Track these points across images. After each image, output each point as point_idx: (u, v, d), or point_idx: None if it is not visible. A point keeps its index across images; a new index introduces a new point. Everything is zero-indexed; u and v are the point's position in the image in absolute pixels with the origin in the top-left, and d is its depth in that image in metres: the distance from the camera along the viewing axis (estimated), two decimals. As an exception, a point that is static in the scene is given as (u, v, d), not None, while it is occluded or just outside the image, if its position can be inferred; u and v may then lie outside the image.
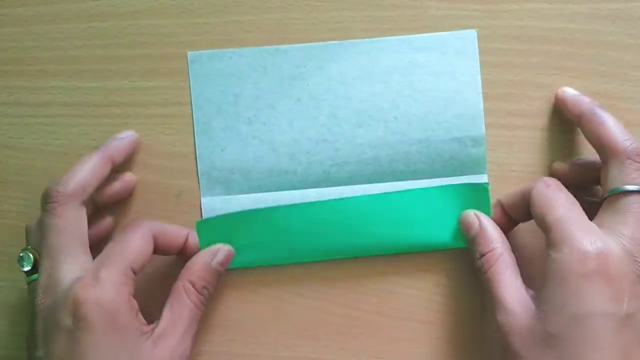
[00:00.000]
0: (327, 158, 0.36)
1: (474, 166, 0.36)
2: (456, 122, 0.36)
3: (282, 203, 0.36)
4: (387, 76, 0.36)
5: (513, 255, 0.33)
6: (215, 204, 0.36)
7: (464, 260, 0.36)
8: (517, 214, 0.34)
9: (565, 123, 0.36)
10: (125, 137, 0.36)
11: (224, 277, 0.36)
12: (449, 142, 0.36)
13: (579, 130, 0.36)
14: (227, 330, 0.37)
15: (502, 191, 0.35)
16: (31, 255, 0.33)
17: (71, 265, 0.32)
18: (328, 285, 0.36)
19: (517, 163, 0.36)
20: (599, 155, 0.33)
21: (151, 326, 0.32)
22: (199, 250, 0.35)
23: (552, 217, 0.31)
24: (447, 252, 0.36)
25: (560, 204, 0.31)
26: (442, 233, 0.36)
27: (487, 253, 0.33)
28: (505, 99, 0.36)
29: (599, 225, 0.30)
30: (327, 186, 0.36)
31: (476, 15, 0.36)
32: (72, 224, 0.32)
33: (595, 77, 0.36)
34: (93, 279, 0.30)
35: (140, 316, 0.32)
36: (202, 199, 0.37)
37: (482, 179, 0.36)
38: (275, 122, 0.36)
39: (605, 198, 0.31)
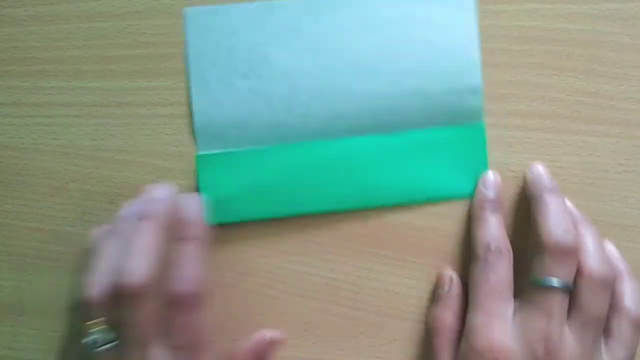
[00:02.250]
0: (324, 110, 0.36)
1: (472, 116, 0.36)
2: (453, 72, 0.36)
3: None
4: (384, 27, 0.36)
5: (458, 331, 0.34)
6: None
7: (464, 261, 0.36)
8: None
9: (564, 124, 0.36)
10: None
11: (224, 277, 0.36)
12: (446, 92, 0.36)
13: (578, 130, 0.36)
14: (227, 330, 0.37)
15: (500, 191, 0.35)
16: None
17: None
18: (328, 285, 0.36)
19: (517, 163, 0.36)
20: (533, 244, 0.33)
21: None
22: None
23: (471, 300, 0.32)
24: (448, 253, 0.36)
25: (485, 288, 0.32)
26: (440, 179, 0.36)
27: (439, 325, 0.34)
28: (505, 99, 0.36)
29: (516, 312, 0.31)
30: (324, 139, 0.36)
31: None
32: None
33: (595, 77, 0.36)
34: None
35: None
36: (197, 153, 0.37)
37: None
38: (271, 75, 0.36)
39: (527, 286, 0.32)
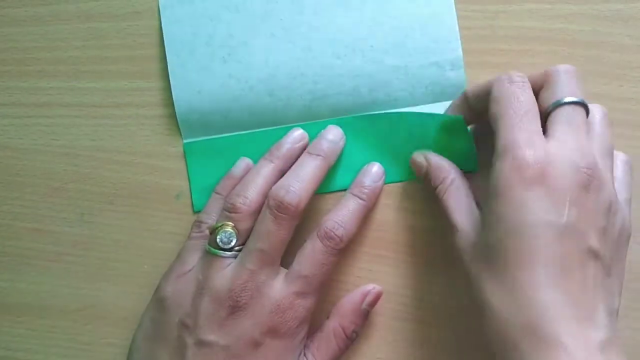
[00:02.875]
0: (306, 92, 0.36)
1: (455, 91, 0.36)
2: (433, 46, 0.36)
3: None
4: (361, 4, 0.36)
5: (465, 179, 0.33)
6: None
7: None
8: (480, 105, 0.33)
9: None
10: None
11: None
12: (428, 67, 0.36)
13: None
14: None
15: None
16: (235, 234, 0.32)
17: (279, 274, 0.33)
18: (327, 286, 0.36)
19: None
20: (538, 87, 0.32)
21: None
22: None
23: (503, 121, 0.30)
24: (447, 252, 0.36)
25: (515, 106, 0.30)
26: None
27: (439, 184, 0.33)
28: (505, 100, 0.36)
29: (547, 137, 0.29)
30: (308, 121, 0.36)
31: (475, 16, 0.36)
32: (286, 242, 0.32)
33: (595, 77, 0.36)
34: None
35: None
36: (184, 141, 0.37)
37: None
38: (251, 60, 0.36)
39: (549, 113, 0.30)
